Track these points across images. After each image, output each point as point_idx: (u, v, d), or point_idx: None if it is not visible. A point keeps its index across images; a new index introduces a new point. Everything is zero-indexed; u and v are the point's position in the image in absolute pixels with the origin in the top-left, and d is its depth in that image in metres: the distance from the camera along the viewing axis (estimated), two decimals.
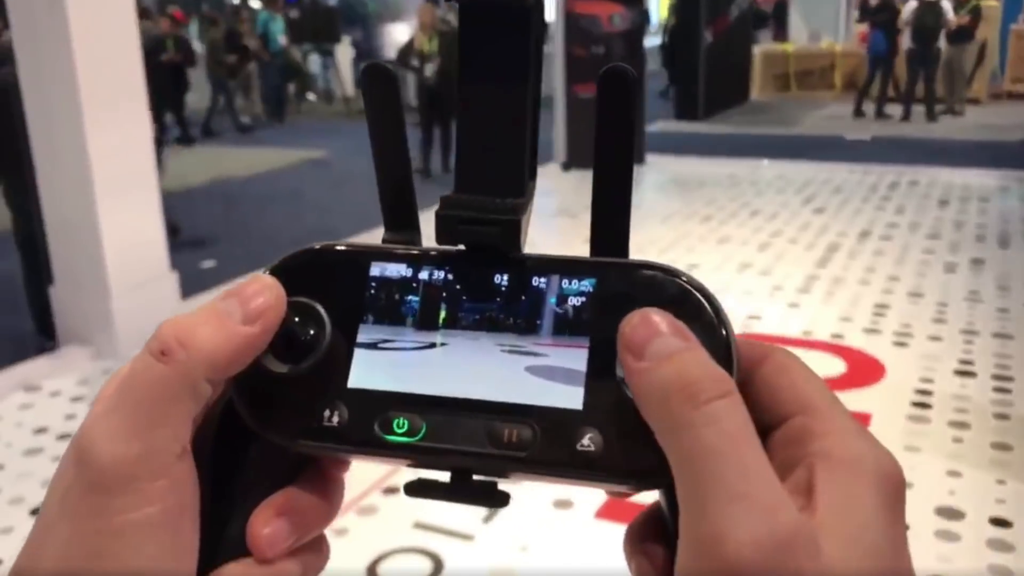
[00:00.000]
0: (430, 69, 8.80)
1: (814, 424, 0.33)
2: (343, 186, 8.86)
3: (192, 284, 4.97)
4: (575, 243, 5.59)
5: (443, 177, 8.76)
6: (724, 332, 0.34)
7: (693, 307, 0.34)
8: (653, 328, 0.32)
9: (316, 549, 0.38)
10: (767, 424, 0.34)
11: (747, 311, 4.98)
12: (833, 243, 6.30)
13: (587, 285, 0.36)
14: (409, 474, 0.38)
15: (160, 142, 11.42)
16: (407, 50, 9.18)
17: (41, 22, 4.21)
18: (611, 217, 0.37)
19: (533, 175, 0.38)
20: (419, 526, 2.94)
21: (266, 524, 0.35)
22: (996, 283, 5.37)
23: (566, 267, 0.36)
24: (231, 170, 10.10)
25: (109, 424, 0.32)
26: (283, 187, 8.55)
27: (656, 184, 8.58)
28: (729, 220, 7.03)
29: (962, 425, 3.64)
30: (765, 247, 6.27)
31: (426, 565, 2.80)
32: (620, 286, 0.35)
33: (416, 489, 0.37)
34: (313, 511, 0.37)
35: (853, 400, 3.88)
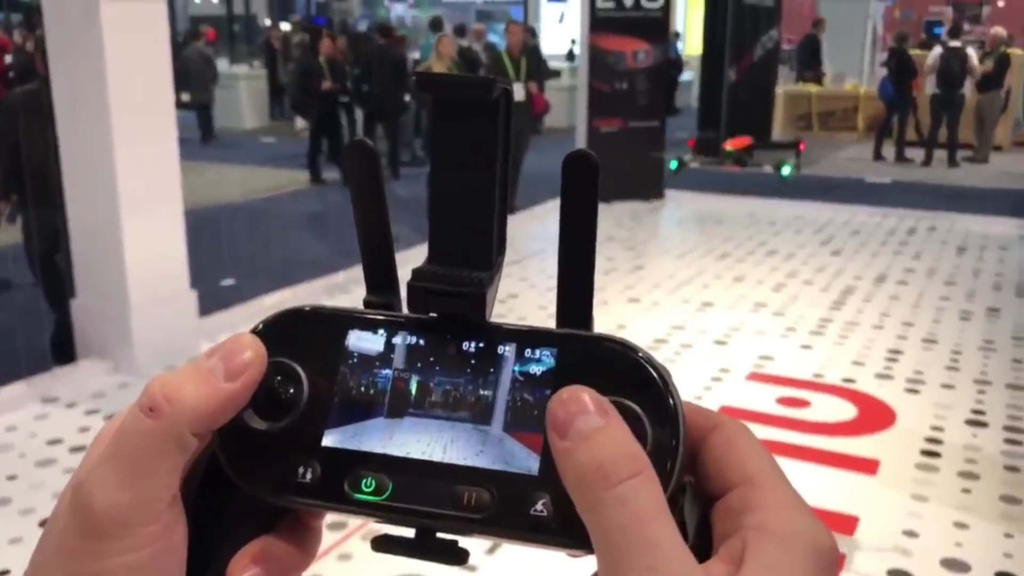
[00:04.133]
0: None
1: (754, 496, 0.35)
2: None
3: (211, 302, 5.03)
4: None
5: None
6: (672, 403, 0.36)
7: (644, 379, 0.37)
8: (578, 406, 0.34)
9: None
10: (713, 492, 0.37)
11: (759, 351, 4.98)
12: (849, 286, 6.29)
13: (548, 355, 0.38)
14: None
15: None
16: None
17: (75, 38, 4.30)
18: (575, 290, 0.40)
19: (502, 249, 0.41)
20: None
21: (243, 570, 0.38)
22: (1012, 333, 5.36)
23: (530, 337, 0.39)
24: (250, 192, 10.21)
25: (103, 474, 0.35)
26: (305, 209, 8.62)
27: (674, 220, 8.59)
28: (746, 258, 7.04)
29: (971, 476, 3.62)
30: (780, 287, 6.28)
31: None
32: (579, 357, 0.38)
33: (382, 544, 0.39)
34: (288, 558, 0.39)
35: (862, 446, 3.87)
